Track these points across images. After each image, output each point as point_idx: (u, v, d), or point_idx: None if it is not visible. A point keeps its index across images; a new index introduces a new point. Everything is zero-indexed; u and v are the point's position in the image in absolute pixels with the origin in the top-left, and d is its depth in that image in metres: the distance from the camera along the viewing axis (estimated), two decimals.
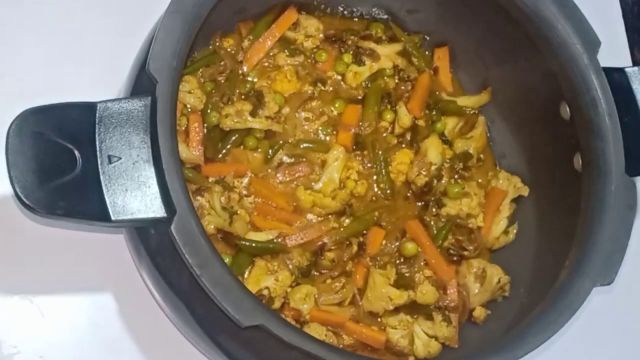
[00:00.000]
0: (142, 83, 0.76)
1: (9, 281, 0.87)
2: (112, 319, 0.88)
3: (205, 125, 0.88)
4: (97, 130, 0.70)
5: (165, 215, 0.70)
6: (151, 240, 0.76)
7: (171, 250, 0.70)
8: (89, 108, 0.71)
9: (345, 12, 0.98)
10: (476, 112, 0.98)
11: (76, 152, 0.69)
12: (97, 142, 0.70)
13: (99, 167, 0.69)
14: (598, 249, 0.78)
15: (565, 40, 0.83)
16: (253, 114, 0.88)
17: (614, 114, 0.82)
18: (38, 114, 0.69)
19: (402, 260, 0.90)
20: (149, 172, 0.70)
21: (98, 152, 0.70)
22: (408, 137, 0.95)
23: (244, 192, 0.88)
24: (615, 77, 0.84)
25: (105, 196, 0.69)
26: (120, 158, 0.70)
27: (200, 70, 0.90)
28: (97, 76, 0.90)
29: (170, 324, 0.85)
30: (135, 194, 0.70)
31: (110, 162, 0.70)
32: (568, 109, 0.86)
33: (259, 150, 0.89)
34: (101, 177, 0.69)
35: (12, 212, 0.87)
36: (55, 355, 0.86)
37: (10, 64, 0.92)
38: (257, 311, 0.69)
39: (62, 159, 0.69)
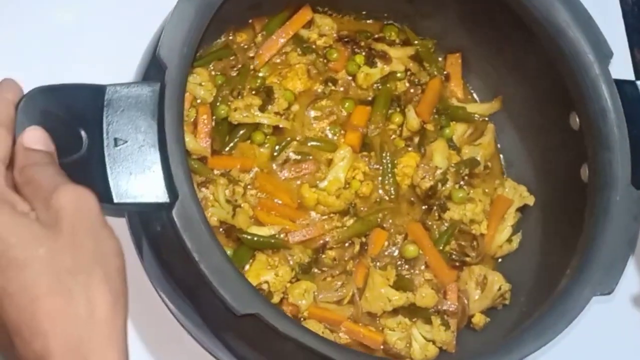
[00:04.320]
0: (152, 70, 0.76)
1: None
2: None
3: (214, 117, 0.88)
4: (104, 112, 0.70)
5: (167, 200, 0.69)
6: (153, 228, 0.76)
7: (172, 239, 0.70)
8: (98, 90, 0.71)
9: (360, 14, 0.98)
10: (485, 119, 0.98)
11: (83, 133, 0.69)
12: (104, 124, 0.70)
13: (105, 149, 0.69)
14: (600, 257, 0.78)
15: (576, 49, 0.83)
16: (262, 109, 0.88)
17: (623, 126, 0.82)
18: (47, 93, 0.69)
19: (403, 262, 0.90)
20: (154, 157, 0.70)
21: (104, 134, 0.69)
22: (416, 140, 0.95)
23: (249, 187, 0.88)
24: (626, 89, 0.84)
25: (109, 178, 0.69)
26: (127, 141, 0.70)
27: (212, 63, 0.91)
28: (110, 62, 0.89)
29: (172, 320, 0.84)
30: (139, 178, 0.69)
31: (116, 144, 0.70)
32: (577, 120, 0.86)
33: (266, 145, 0.89)
34: (106, 159, 0.69)
35: None
36: None
37: (24, 43, 0.92)
38: (253, 299, 0.68)
39: (68, 139, 0.69)
